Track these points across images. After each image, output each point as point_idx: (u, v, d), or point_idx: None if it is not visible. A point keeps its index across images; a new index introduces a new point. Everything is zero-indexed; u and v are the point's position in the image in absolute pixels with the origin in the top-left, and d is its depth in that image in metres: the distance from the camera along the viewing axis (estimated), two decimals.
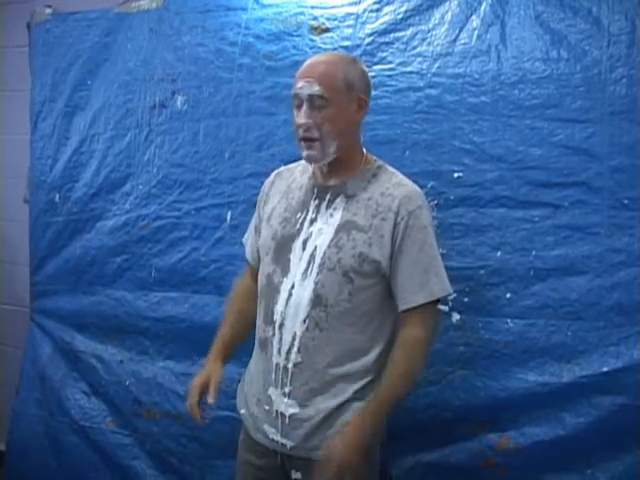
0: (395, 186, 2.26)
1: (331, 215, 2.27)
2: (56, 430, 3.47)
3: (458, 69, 2.71)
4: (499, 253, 2.62)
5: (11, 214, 3.98)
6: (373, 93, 2.75)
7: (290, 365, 2.24)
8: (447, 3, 2.78)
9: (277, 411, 2.27)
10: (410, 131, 2.75)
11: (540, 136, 2.59)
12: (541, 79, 2.60)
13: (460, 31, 2.74)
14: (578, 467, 2.54)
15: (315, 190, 2.34)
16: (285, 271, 2.29)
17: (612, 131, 2.53)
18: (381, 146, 2.67)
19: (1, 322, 4.05)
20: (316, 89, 2.17)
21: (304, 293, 2.24)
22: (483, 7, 2.71)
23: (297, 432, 2.25)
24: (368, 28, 2.87)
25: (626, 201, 2.49)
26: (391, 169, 2.34)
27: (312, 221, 2.30)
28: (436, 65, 2.73)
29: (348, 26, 2.91)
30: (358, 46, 2.86)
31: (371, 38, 2.85)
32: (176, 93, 3.22)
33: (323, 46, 2.92)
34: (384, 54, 2.82)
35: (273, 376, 2.28)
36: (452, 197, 2.66)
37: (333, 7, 2.96)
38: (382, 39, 2.84)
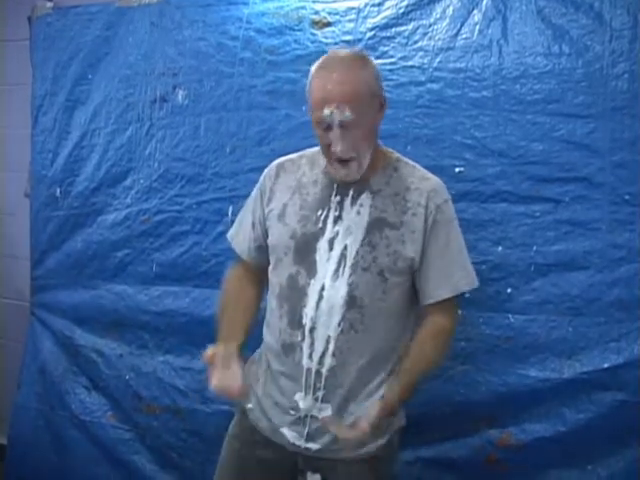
0: (420, 180, 2.22)
1: (358, 212, 2.19)
2: (57, 424, 3.48)
3: (459, 64, 2.71)
4: (500, 248, 2.62)
5: (12, 208, 3.97)
6: None
7: (324, 369, 2.17)
8: None
9: (307, 416, 2.20)
10: (411, 126, 2.74)
11: (542, 131, 2.59)
12: (543, 74, 2.59)
13: (462, 26, 2.73)
14: (579, 463, 2.54)
15: (335, 186, 2.23)
16: (312, 272, 2.19)
17: (614, 126, 2.52)
18: (383, 141, 2.65)
19: (2, 316, 4.05)
20: (347, 114, 2.02)
21: (337, 295, 2.15)
22: (485, 2, 2.71)
23: (326, 434, 2.19)
24: (369, 22, 2.86)
25: (627, 197, 2.49)
26: (408, 161, 2.29)
27: (336, 219, 2.20)
28: (437, 60, 2.73)
29: (349, 20, 2.90)
30: (359, 40, 2.85)
31: (372, 32, 2.85)
32: (177, 87, 3.21)
33: (324, 40, 2.92)
34: (385, 48, 2.81)
35: (303, 381, 2.19)
36: (453, 192, 2.63)
37: (334, 1, 2.95)
38: (383, 33, 2.83)
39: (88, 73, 3.44)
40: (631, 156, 2.50)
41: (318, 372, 2.17)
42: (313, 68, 2.12)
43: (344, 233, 2.18)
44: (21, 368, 3.61)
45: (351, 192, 2.20)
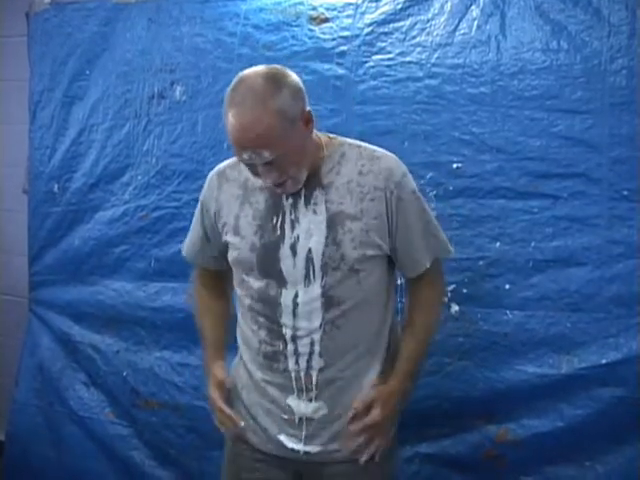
0: (371, 161, 2.10)
1: (314, 212, 2.09)
2: (55, 420, 3.48)
3: (457, 59, 2.70)
4: (498, 244, 2.62)
5: (10, 204, 3.97)
6: (372, 83, 2.78)
7: (314, 372, 2.13)
8: None
9: (302, 418, 2.16)
10: (409, 122, 2.74)
11: (540, 127, 2.59)
12: (541, 70, 2.59)
13: (460, 21, 2.73)
14: (576, 459, 2.55)
15: None
16: (281, 282, 2.11)
17: (612, 122, 2.53)
18: (380, 136, 2.66)
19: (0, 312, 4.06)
20: (267, 155, 1.92)
21: (313, 299, 2.09)
22: None
23: (324, 433, 2.17)
24: (367, 18, 2.86)
25: (626, 192, 2.49)
26: (353, 142, 2.17)
27: (293, 223, 2.11)
28: (435, 55, 2.72)
29: (347, 16, 2.89)
30: (357, 36, 2.85)
31: (370, 28, 2.84)
32: (175, 83, 3.20)
33: (322, 36, 2.91)
34: (383, 44, 2.81)
35: (293, 385, 2.15)
36: (451, 188, 2.66)
37: None
38: (381, 29, 2.83)
39: (86, 69, 3.43)
40: (629, 152, 2.50)
41: (307, 374, 2.14)
42: (226, 99, 1.98)
43: (305, 236, 2.09)
44: (19, 364, 3.61)
45: (302, 191, 2.10)
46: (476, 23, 2.70)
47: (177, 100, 3.20)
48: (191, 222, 3.06)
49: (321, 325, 2.10)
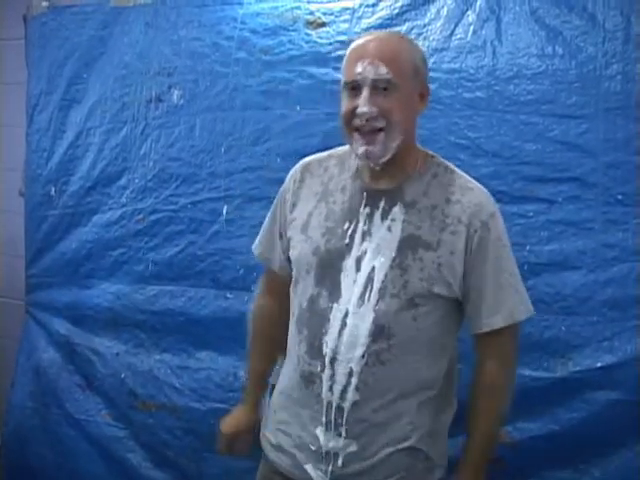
0: (462, 190, 1.97)
1: (389, 229, 1.94)
2: (51, 423, 3.47)
3: (454, 64, 2.72)
4: None
5: (7, 206, 3.98)
6: None
7: (347, 404, 1.94)
8: None
9: (329, 452, 1.99)
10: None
11: (535, 132, 2.60)
12: (536, 75, 2.61)
13: (456, 26, 2.74)
14: (572, 462, 2.55)
15: (364, 194, 2.00)
16: (335, 295, 1.96)
17: (607, 127, 2.54)
18: None
19: None
20: (383, 72, 1.83)
21: (362, 323, 1.92)
22: (479, 2, 2.72)
23: (351, 469, 1.98)
24: (364, 23, 2.87)
25: (620, 197, 2.51)
26: (450, 165, 2.05)
27: (364, 234, 1.96)
28: (432, 60, 2.72)
29: (344, 21, 2.90)
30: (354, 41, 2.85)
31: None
32: (172, 87, 3.21)
33: (319, 41, 2.92)
34: None
35: (324, 416, 1.98)
36: None
37: (329, 1, 2.96)
38: None
39: (83, 72, 3.44)
40: (624, 156, 2.51)
41: (339, 407, 1.95)
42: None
43: (373, 252, 1.94)
44: (15, 367, 3.61)
45: (382, 203, 1.97)
46: (472, 28, 2.71)
47: (174, 104, 3.20)
48: (188, 225, 3.07)
49: (364, 355, 1.92)
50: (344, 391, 1.94)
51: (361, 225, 1.97)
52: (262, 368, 2.37)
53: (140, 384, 3.23)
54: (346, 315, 1.94)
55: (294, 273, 2.10)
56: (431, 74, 2.65)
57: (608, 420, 2.49)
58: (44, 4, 3.56)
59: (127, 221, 3.28)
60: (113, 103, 3.36)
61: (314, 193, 2.09)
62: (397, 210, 1.96)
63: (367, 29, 2.83)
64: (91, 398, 3.39)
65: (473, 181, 2.03)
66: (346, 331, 1.93)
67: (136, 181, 3.27)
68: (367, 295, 1.93)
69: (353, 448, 1.97)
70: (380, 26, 2.83)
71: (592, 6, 2.56)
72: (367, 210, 1.98)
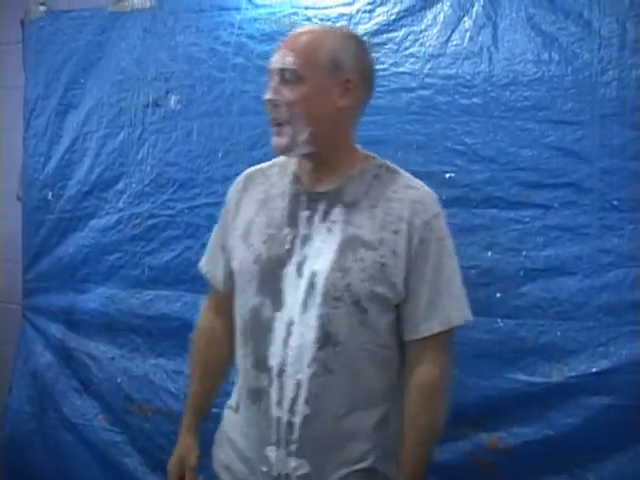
0: (405, 189, 1.89)
1: (329, 230, 1.87)
2: (48, 427, 3.47)
3: (450, 70, 2.72)
4: (490, 253, 2.63)
5: (4, 211, 3.98)
6: None
7: (297, 420, 1.84)
8: (439, 4, 2.79)
9: (280, 474, 1.87)
10: (402, 132, 2.75)
11: (531, 138, 2.61)
12: (532, 81, 2.61)
13: (452, 32, 2.75)
14: (567, 467, 2.55)
15: (303, 198, 1.93)
16: (278, 304, 1.87)
17: (602, 133, 2.54)
18: (373, 146, 2.66)
19: None
20: (289, 61, 1.80)
21: (307, 331, 1.82)
22: (475, 9, 2.73)
23: None
24: (361, 29, 2.87)
25: (616, 202, 2.51)
26: (396, 167, 1.98)
27: (305, 239, 1.89)
28: (428, 66, 2.74)
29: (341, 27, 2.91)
30: None
31: (364, 39, 2.85)
32: (169, 92, 3.22)
33: None
34: (377, 54, 2.81)
35: (274, 433, 1.87)
36: (443, 197, 2.62)
37: (326, 8, 2.97)
38: (375, 40, 2.84)
39: (80, 77, 3.45)
40: (619, 162, 2.51)
41: (290, 423, 1.85)
42: None
43: (313, 256, 1.86)
44: (12, 371, 3.61)
45: (322, 206, 1.90)
46: (468, 34, 2.72)
47: (172, 109, 3.21)
48: (185, 230, 3.07)
49: (311, 364, 1.83)
50: (293, 404, 1.84)
51: (301, 230, 1.90)
52: (203, 392, 2.22)
53: (136, 389, 3.23)
54: (291, 324, 1.85)
55: (237, 285, 2.01)
56: (428, 80, 2.70)
57: (603, 425, 2.49)
58: (42, 9, 3.57)
59: (124, 226, 3.29)
60: (110, 108, 3.37)
61: (255, 201, 2.01)
62: (337, 211, 1.88)
63: (364, 35, 2.84)
64: (88, 402, 3.39)
65: (417, 181, 1.96)
66: (291, 340, 1.84)
67: (133, 186, 3.28)
68: (310, 301, 1.84)
69: (305, 469, 1.86)
70: (377, 32, 2.84)
71: (588, 13, 2.57)
72: (307, 214, 1.91)
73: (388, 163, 2.00)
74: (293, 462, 1.86)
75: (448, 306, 1.90)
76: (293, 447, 1.85)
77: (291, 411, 1.84)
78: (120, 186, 3.32)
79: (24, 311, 3.62)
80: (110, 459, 3.31)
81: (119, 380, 3.29)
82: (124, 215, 3.29)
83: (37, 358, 3.53)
